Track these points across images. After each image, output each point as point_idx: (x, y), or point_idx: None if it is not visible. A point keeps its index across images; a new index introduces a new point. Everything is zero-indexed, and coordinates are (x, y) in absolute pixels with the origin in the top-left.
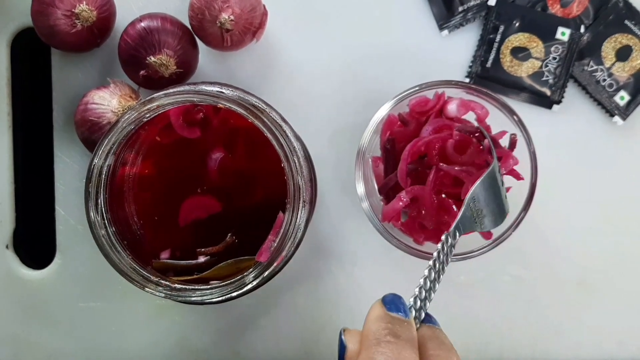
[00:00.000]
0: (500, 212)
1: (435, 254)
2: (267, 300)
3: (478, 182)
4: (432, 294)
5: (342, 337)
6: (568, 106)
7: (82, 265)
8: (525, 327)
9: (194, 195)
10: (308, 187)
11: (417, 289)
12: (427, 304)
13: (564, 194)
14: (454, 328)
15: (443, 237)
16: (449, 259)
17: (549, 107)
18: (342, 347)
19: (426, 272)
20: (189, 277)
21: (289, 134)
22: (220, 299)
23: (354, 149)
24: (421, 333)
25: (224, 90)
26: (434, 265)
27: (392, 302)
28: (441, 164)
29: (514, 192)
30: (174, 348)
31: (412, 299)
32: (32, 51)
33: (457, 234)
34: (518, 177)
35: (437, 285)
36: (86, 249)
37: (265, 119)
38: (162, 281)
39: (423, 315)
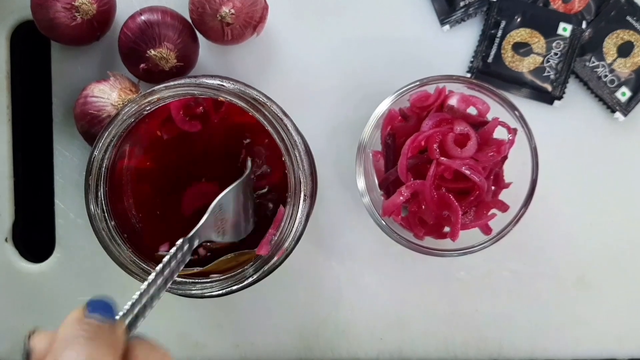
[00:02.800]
0: (245, 225)
1: (165, 258)
2: (267, 295)
3: (228, 189)
4: (155, 302)
5: (27, 340)
6: (569, 102)
7: (81, 259)
8: (524, 323)
9: (197, 183)
10: (309, 181)
11: (136, 294)
12: (147, 311)
13: (564, 189)
14: (453, 323)
15: (179, 242)
16: (180, 267)
17: (550, 102)
18: (26, 354)
19: (151, 277)
20: (189, 271)
21: (290, 128)
22: (220, 292)
23: (354, 144)
24: (131, 342)
25: (224, 84)
26: (162, 270)
27: (95, 305)
28: (441, 158)
29: (515, 188)
30: (174, 342)
31: (128, 304)
32: (32, 44)
33: (196, 241)
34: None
35: (161, 292)
36: (86, 243)
37: (266, 112)
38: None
39: (138, 326)
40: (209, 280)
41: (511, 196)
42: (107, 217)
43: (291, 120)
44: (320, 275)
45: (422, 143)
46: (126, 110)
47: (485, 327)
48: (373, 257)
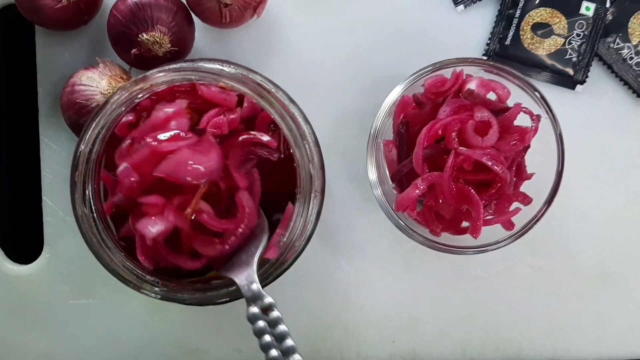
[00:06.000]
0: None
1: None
2: (270, 295)
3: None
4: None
5: None
6: (592, 86)
7: (72, 260)
8: (545, 323)
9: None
10: (320, 176)
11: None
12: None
13: (588, 180)
14: (470, 324)
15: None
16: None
17: (572, 87)
18: None
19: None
20: (193, 279)
21: (298, 117)
22: (222, 300)
23: (361, 133)
24: None
25: (225, 68)
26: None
27: None
28: (460, 148)
29: (537, 179)
30: (172, 348)
31: None
32: (15, 30)
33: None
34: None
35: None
36: (76, 243)
37: (272, 99)
38: (159, 281)
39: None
40: (213, 287)
41: (534, 188)
42: (96, 218)
43: (299, 109)
44: (328, 274)
45: (439, 132)
46: (115, 98)
47: (504, 328)
48: (383, 255)
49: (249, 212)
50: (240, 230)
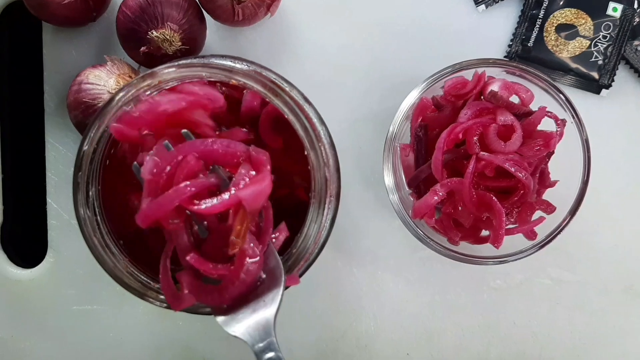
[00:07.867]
0: None
1: None
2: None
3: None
4: None
5: None
6: (618, 91)
7: (76, 264)
8: (567, 337)
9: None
10: (335, 179)
11: None
12: None
13: (613, 188)
14: (487, 337)
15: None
16: None
17: (597, 92)
18: None
19: None
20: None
21: (313, 117)
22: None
23: (377, 137)
24: None
25: (237, 65)
26: None
27: None
28: (482, 153)
29: (561, 187)
30: (178, 356)
31: None
32: (22, 27)
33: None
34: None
35: None
36: (81, 246)
37: (286, 98)
38: None
39: None
40: None
41: (558, 196)
42: (99, 221)
43: (314, 108)
44: (339, 282)
45: (460, 136)
46: (121, 95)
47: (523, 341)
48: (398, 262)
49: (250, 253)
50: (239, 278)
